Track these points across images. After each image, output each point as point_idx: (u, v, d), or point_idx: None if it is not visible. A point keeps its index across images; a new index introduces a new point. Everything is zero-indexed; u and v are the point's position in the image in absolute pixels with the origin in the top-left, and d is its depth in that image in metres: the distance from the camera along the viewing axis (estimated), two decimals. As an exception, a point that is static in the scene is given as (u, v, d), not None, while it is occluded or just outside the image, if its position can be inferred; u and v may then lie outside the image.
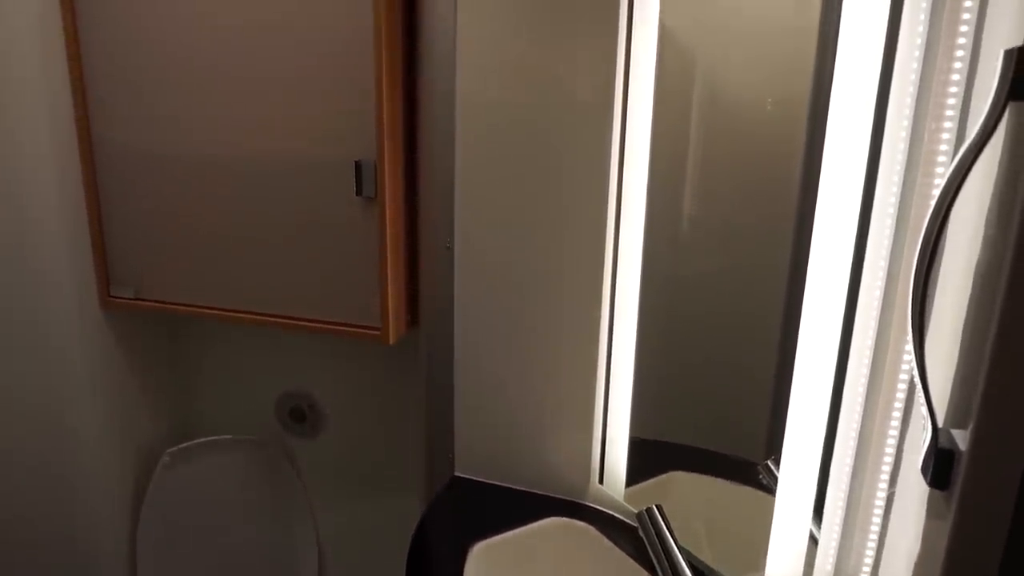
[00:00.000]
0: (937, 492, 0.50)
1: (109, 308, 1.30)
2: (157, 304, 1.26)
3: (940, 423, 0.46)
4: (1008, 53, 0.40)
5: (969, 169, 0.41)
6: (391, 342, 1.16)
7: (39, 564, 1.39)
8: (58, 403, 1.29)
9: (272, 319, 1.20)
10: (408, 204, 1.18)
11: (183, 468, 1.45)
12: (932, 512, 0.55)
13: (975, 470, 0.42)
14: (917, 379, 0.45)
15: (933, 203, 0.43)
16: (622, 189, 1.01)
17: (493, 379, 1.13)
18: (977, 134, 0.41)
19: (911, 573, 0.59)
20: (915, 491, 0.59)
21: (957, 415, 0.46)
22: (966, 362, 0.46)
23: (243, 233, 1.19)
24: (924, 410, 0.45)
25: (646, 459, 1.14)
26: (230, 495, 1.50)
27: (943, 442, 0.44)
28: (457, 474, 1.18)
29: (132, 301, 1.27)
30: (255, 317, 1.21)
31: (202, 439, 1.46)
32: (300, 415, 1.46)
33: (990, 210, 0.44)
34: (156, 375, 1.47)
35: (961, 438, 0.44)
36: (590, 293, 1.04)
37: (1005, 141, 0.43)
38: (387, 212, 1.10)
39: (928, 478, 0.45)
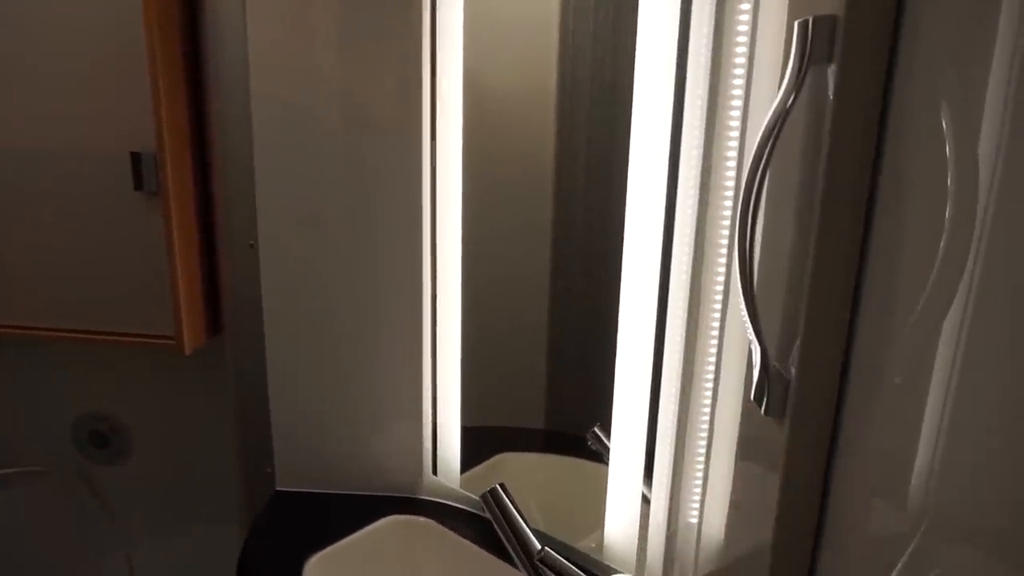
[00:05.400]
0: (754, 431, 0.57)
1: None
2: None
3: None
4: (802, 24, 0.45)
5: (779, 127, 0.45)
6: (187, 352, 1.04)
7: None
8: None
9: (54, 334, 1.03)
10: (200, 201, 1.06)
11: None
12: (748, 452, 0.62)
13: (802, 394, 0.47)
14: (749, 326, 0.50)
15: (751, 161, 0.48)
16: (436, 187, 1.00)
17: (311, 384, 1.06)
18: (781, 97, 0.46)
19: (726, 512, 0.67)
20: (727, 446, 0.66)
21: (779, 351, 0.52)
22: (786, 305, 0.51)
23: (15, 238, 1.00)
24: (757, 349, 0.50)
25: (473, 445, 1.15)
26: (28, 534, 1.28)
27: (775, 374, 0.50)
28: (279, 488, 1.09)
29: None
30: (33, 332, 1.03)
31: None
32: (102, 440, 1.27)
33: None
34: None
35: (785, 370, 0.50)
36: (409, 288, 1.02)
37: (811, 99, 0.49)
38: (172, 207, 0.99)
39: (763, 408, 0.50)
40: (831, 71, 0.44)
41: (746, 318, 0.49)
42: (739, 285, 0.49)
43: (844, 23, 0.42)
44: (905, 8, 0.42)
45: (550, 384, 1.09)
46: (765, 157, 0.46)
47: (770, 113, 0.46)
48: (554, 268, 1.03)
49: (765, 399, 0.50)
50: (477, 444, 1.14)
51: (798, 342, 0.47)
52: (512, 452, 1.16)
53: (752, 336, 0.50)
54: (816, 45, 0.44)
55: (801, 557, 0.50)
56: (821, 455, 0.48)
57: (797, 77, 0.45)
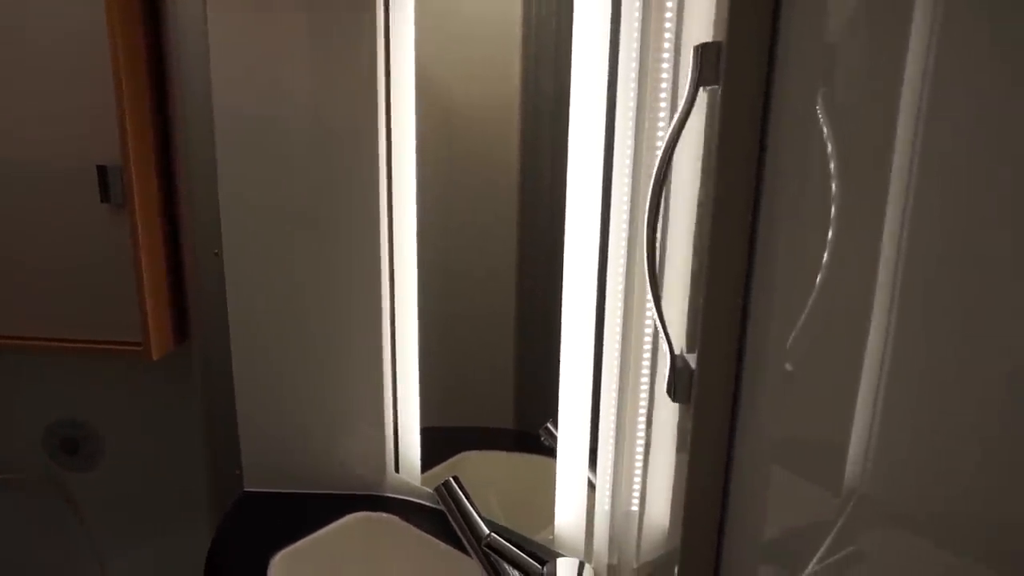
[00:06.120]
0: (683, 423, 0.61)
1: None
2: None
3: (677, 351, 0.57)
4: (696, 49, 0.50)
5: (676, 140, 0.51)
6: (154, 357, 1.08)
7: None
8: None
9: (23, 342, 1.06)
10: (166, 211, 1.10)
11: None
12: (680, 443, 0.67)
13: (703, 382, 0.52)
14: (656, 321, 0.55)
15: (652, 182, 0.53)
16: (392, 192, 1.04)
17: (276, 387, 1.09)
18: (679, 114, 0.51)
19: (670, 496, 0.71)
20: (667, 433, 0.71)
21: (688, 343, 0.57)
22: (692, 303, 0.56)
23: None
24: (664, 342, 0.55)
25: (438, 444, 1.18)
26: (0, 542, 1.29)
27: (681, 364, 0.54)
28: (247, 489, 1.13)
29: None
30: (2, 341, 1.06)
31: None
32: (73, 446, 1.29)
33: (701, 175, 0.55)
34: None
35: (692, 360, 0.55)
36: (369, 293, 1.06)
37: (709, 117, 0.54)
38: (139, 219, 1.02)
39: (673, 395, 0.55)
40: (719, 92, 0.49)
41: (654, 312, 0.54)
42: (647, 282, 0.54)
43: (726, 48, 0.48)
44: (779, 36, 0.47)
45: (517, 384, 1.13)
46: (664, 169, 0.51)
47: (669, 130, 0.52)
48: (520, 268, 1.06)
49: (675, 388, 0.55)
50: (442, 443, 1.18)
51: (697, 336, 0.52)
52: (475, 450, 1.20)
53: (660, 328, 0.55)
54: (705, 68, 0.49)
55: (707, 548, 0.54)
56: (723, 441, 0.53)
57: (690, 98, 0.50)
